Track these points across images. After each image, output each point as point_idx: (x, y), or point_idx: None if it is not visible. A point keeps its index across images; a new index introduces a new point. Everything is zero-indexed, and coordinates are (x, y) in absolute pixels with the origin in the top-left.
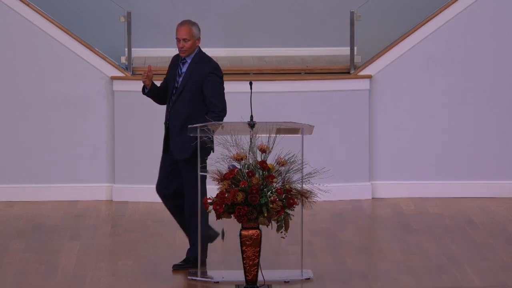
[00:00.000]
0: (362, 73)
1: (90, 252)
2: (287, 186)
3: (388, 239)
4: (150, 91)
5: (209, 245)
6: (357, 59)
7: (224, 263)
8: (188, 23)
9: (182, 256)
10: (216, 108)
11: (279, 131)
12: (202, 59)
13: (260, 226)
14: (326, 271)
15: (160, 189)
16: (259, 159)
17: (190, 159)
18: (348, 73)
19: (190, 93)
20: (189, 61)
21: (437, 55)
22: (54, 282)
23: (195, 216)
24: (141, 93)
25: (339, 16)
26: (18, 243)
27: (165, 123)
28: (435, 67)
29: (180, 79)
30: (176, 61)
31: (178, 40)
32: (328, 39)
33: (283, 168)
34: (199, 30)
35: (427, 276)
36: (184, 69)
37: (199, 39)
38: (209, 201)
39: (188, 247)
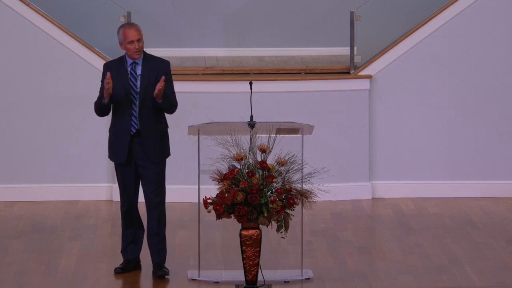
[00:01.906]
0: (362, 73)
1: (90, 252)
2: (287, 186)
3: (388, 239)
4: (110, 100)
5: (209, 245)
6: (357, 59)
7: (224, 263)
8: (135, 25)
9: (182, 255)
10: (176, 99)
11: (279, 131)
12: (151, 58)
13: (260, 226)
14: (326, 271)
15: (132, 203)
16: (259, 159)
17: (164, 159)
18: (348, 73)
19: (153, 92)
20: (140, 62)
21: (437, 55)
22: (54, 282)
23: (164, 218)
24: (96, 107)
25: (339, 16)
26: (18, 243)
27: (130, 131)
28: (435, 67)
29: (139, 82)
30: (119, 66)
31: (132, 42)
32: (328, 39)
33: (283, 168)
34: None
35: (427, 276)
36: (139, 71)
37: None
38: (209, 201)
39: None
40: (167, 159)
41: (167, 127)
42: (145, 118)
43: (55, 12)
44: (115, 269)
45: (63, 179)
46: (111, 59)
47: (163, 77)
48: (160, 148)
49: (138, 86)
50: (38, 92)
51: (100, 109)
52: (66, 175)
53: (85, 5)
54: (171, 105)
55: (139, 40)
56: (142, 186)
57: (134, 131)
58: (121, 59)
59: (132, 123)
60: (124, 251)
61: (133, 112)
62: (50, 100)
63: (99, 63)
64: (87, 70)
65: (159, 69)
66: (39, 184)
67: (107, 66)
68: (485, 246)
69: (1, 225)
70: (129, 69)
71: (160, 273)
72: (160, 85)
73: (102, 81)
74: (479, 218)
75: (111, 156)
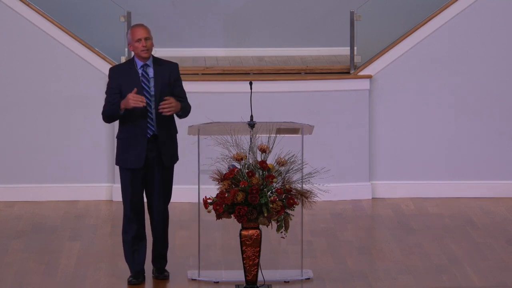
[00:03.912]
0: (362, 73)
1: (90, 252)
2: (287, 186)
3: (388, 239)
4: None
5: (209, 245)
6: (357, 59)
7: (224, 263)
8: (143, 25)
9: (182, 256)
10: (190, 109)
11: (279, 131)
12: (161, 61)
13: (260, 226)
14: (326, 271)
15: (141, 206)
16: (259, 159)
17: (173, 164)
18: (348, 73)
19: (168, 95)
20: (151, 64)
21: (437, 55)
22: (54, 282)
23: (167, 223)
24: (107, 115)
25: (339, 16)
26: (18, 243)
27: (146, 135)
28: (435, 67)
29: (152, 84)
30: (128, 69)
31: (139, 40)
32: (328, 39)
33: (283, 168)
34: None
35: (427, 276)
36: (151, 74)
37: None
38: (209, 201)
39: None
40: None
41: (177, 132)
42: (161, 122)
43: (55, 12)
44: (129, 281)
45: (63, 179)
46: (117, 63)
47: (165, 100)
48: (173, 152)
49: (153, 89)
50: (38, 92)
51: (112, 117)
52: (66, 175)
53: (85, 5)
54: (187, 112)
55: (147, 38)
56: (150, 190)
57: (151, 134)
58: (130, 62)
59: (149, 125)
60: (131, 261)
61: (149, 115)
62: (50, 100)
63: (99, 63)
64: (87, 70)
65: (171, 72)
66: (39, 184)
67: (115, 70)
68: (485, 246)
69: (1, 225)
70: (140, 71)
71: (160, 277)
72: (167, 108)
73: (110, 86)
74: (479, 218)
75: (123, 163)
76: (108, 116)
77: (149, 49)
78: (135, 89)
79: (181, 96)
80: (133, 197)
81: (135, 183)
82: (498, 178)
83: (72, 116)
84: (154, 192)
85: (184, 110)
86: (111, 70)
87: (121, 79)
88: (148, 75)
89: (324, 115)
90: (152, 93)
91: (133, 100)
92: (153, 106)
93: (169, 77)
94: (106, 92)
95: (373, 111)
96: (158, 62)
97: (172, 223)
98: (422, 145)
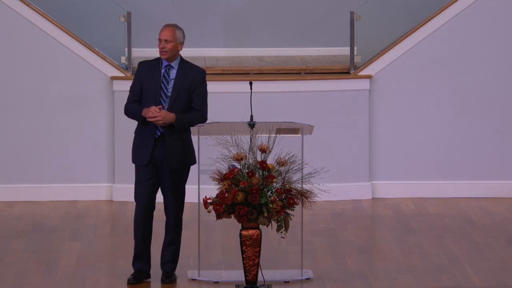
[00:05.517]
0: (362, 73)
1: (90, 252)
2: (287, 186)
3: (388, 239)
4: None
5: (209, 245)
6: (357, 59)
7: (224, 263)
8: (173, 26)
9: (182, 256)
10: (204, 114)
11: (279, 131)
12: (189, 65)
13: (260, 226)
14: (326, 271)
15: (146, 202)
16: (259, 159)
17: (185, 168)
18: (348, 73)
19: (185, 99)
20: (175, 66)
21: (437, 55)
22: (54, 282)
23: (179, 227)
24: (129, 113)
25: (339, 16)
26: (18, 243)
27: (155, 134)
28: (435, 67)
29: (171, 85)
30: (153, 67)
31: (160, 41)
32: (328, 39)
33: (283, 168)
34: (184, 36)
35: (427, 276)
36: (173, 75)
37: (182, 44)
38: (209, 201)
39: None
40: None
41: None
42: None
43: (55, 12)
44: (129, 280)
45: (63, 179)
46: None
47: (158, 108)
48: (182, 156)
49: (170, 89)
50: (38, 92)
51: (134, 119)
52: (66, 175)
53: (85, 5)
54: (189, 124)
55: (167, 41)
56: (162, 192)
57: (159, 133)
58: (157, 60)
59: (155, 127)
60: (134, 262)
61: None
62: (50, 100)
63: (99, 63)
64: (87, 70)
65: (194, 77)
66: (39, 184)
67: (142, 65)
68: (485, 246)
69: (1, 225)
70: (162, 71)
71: (167, 281)
72: (151, 119)
73: (134, 80)
74: (479, 218)
75: (134, 159)
76: (130, 116)
77: (167, 51)
78: (162, 106)
79: (197, 104)
80: (141, 194)
81: (144, 181)
82: (498, 178)
83: (72, 116)
84: (165, 194)
85: (183, 122)
86: (139, 64)
87: (144, 75)
88: (169, 76)
89: (324, 115)
90: (169, 94)
91: (152, 116)
92: (166, 107)
93: (191, 82)
94: (131, 86)
95: (373, 111)
96: (184, 65)
97: None
98: (422, 145)
